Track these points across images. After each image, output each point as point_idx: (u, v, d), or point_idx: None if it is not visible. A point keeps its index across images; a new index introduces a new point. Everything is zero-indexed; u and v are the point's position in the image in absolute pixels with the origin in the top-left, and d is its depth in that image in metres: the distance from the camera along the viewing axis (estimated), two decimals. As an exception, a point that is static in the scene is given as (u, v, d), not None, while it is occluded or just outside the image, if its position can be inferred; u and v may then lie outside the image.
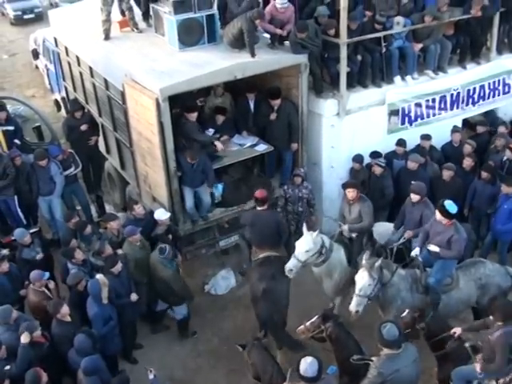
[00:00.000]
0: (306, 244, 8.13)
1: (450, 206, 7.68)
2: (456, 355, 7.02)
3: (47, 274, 8.41)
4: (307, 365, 5.94)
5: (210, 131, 10.28)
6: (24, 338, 7.24)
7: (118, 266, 8.30)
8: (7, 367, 7.13)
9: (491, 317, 6.76)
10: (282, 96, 10.33)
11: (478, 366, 6.67)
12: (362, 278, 7.62)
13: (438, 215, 7.81)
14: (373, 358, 6.56)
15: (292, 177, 10.23)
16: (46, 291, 8.33)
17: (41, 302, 8.15)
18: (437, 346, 7.20)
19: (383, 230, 9.23)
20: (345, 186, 9.02)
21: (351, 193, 8.78)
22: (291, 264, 8.09)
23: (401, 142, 10.64)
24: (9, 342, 7.32)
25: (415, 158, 10.16)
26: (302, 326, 7.40)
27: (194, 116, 9.70)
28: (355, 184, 9.06)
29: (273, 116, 10.42)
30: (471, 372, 6.80)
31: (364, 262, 7.70)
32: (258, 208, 9.14)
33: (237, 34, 9.78)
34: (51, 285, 8.47)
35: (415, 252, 8.15)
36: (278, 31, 10.09)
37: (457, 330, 7.06)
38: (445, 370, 7.13)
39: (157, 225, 9.44)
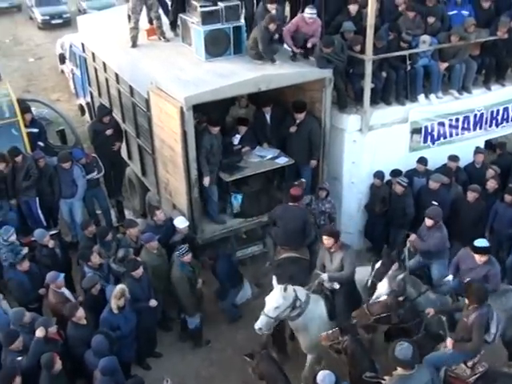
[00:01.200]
0: (275, 300, 7.55)
1: (481, 242, 7.75)
2: (424, 343, 7.35)
3: (62, 275, 8.47)
4: (325, 377, 5.99)
5: (237, 137, 10.32)
6: (39, 332, 7.31)
7: (139, 271, 8.35)
8: (19, 358, 7.21)
9: (466, 300, 7.06)
10: (306, 110, 10.36)
11: (449, 342, 7.09)
12: (382, 286, 7.61)
13: (476, 257, 7.77)
14: (385, 378, 6.54)
15: (317, 190, 10.26)
16: (66, 293, 8.39)
17: (57, 303, 8.23)
18: (406, 333, 7.52)
19: (363, 276, 9.00)
20: (321, 233, 8.40)
21: (327, 240, 8.03)
22: (261, 323, 7.55)
23: (422, 160, 10.61)
24: (24, 343, 7.36)
25: (437, 178, 10.10)
26: (324, 333, 7.48)
27: (216, 130, 9.69)
28: (332, 232, 8.16)
29: (292, 129, 10.45)
30: (441, 358, 7.14)
31: (390, 272, 7.65)
32: (290, 203, 9.21)
33: (252, 44, 9.92)
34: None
35: (448, 278, 8.05)
36: (296, 50, 10.18)
37: (430, 311, 7.45)
38: None
39: (175, 232, 9.49)
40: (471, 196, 9.96)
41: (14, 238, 9.26)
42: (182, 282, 8.76)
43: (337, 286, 7.99)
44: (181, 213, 9.96)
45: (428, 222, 8.72)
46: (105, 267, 8.87)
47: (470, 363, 7.02)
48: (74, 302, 8.11)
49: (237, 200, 10.45)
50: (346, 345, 7.19)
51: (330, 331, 7.46)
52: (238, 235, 10.56)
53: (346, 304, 7.89)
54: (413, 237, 8.95)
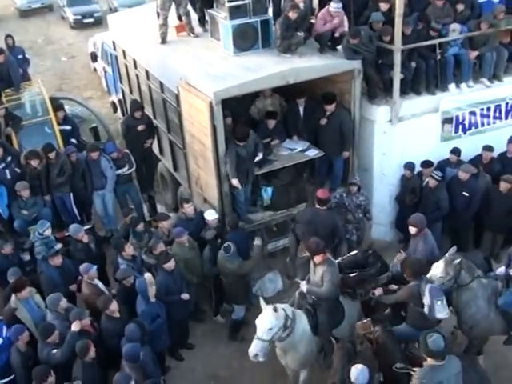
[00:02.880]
0: (267, 321, 7.19)
1: None
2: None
3: (95, 267, 8.62)
4: (358, 371, 5.96)
5: (259, 156, 10.00)
6: (75, 326, 7.46)
7: (171, 264, 8.45)
8: (54, 351, 7.35)
9: (404, 274, 7.45)
10: (337, 102, 10.35)
11: (378, 290, 7.73)
12: (437, 268, 7.61)
13: None
14: (415, 369, 6.49)
15: (348, 185, 10.25)
16: (100, 285, 8.55)
17: (91, 294, 8.38)
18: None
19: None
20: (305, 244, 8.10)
21: (304, 256, 7.93)
22: (255, 349, 7.19)
23: (455, 151, 10.50)
24: (58, 331, 7.50)
25: (467, 169, 10.00)
26: (359, 322, 7.57)
27: (242, 144, 9.47)
28: (311, 247, 7.76)
29: (323, 121, 10.45)
30: (403, 333, 7.40)
31: (447, 255, 7.62)
32: (318, 206, 9.18)
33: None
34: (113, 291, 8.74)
35: (500, 270, 7.99)
36: (327, 27, 10.17)
37: (377, 291, 7.82)
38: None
39: (206, 226, 9.59)
40: (504, 186, 9.84)
41: (49, 232, 9.43)
42: (242, 265, 8.84)
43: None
44: (212, 207, 10.05)
45: (411, 229, 8.44)
46: (138, 259, 9.00)
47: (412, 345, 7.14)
48: (108, 295, 8.25)
49: (267, 193, 10.50)
50: (378, 335, 7.21)
51: (363, 321, 7.52)
52: (269, 228, 10.59)
53: (329, 320, 7.65)
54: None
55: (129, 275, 8.42)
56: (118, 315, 7.84)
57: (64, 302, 7.92)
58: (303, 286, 7.75)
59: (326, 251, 7.72)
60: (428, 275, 7.59)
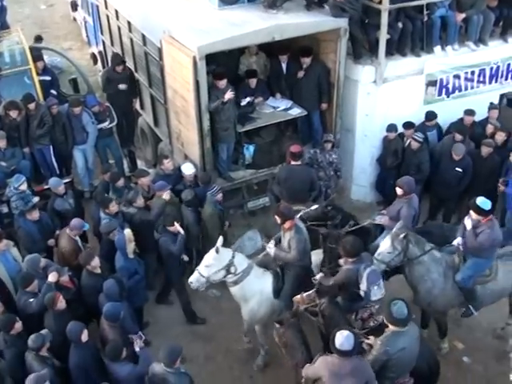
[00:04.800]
0: (206, 258, 7.54)
1: (484, 203, 7.33)
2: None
3: (87, 226, 8.62)
4: (343, 338, 5.73)
5: (245, 100, 10.23)
6: (51, 277, 7.44)
7: (178, 227, 8.45)
8: (31, 300, 7.37)
9: (341, 252, 7.24)
10: (313, 56, 10.30)
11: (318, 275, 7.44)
12: (384, 244, 7.55)
13: (473, 215, 7.42)
14: (370, 337, 6.42)
15: (322, 142, 10.22)
16: (78, 242, 8.50)
17: (71, 250, 8.33)
18: None
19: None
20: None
21: (277, 219, 7.58)
22: (193, 278, 7.56)
23: (429, 116, 10.51)
24: (39, 287, 7.49)
25: (459, 151, 9.74)
26: (298, 296, 7.25)
27: (222, 83, 9.50)
28: (279, 212, 7.55)
29: (300, 74, 10.42)
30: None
31: (394, 229, 7.56)
32: (293, 163, 9.19)
33: None
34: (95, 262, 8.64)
35: (457, 241, 7.77)
36: None
37: (317, 275, 7.53)
38: None
39: (182, 180, 9.55)
40: (485, 151, 9.88)
41: (24, 186, 9.30)
42: (213, 218, 8.88)
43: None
44: (193, 163, 9.98)
45: (398, 190, 8.36)
46: (120, 214, 8.95)
47: (360, 316, 7.00)
48: (90, 251, 8.19)
49: (249, 151, 10.48)
50: (324, 307, 6.96)
51: (305, 294, 7.21)
52: (250, 186, 10.59)
53: (293, 288, 7.54)
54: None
55: (114, 228, 8.38)
56: (99, 271, 7.82)
57: (43, 263, 7.86)
58: (270, 250, 7.73)
59: (295, 217, 7.61)
60: (377, 252, 7.53)
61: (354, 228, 8.15)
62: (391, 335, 6.14)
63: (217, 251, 7.45)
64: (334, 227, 8.18)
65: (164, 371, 6.26)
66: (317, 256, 8.04)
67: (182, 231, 8.43)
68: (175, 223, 8.42)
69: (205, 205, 9.06)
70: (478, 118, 10.72)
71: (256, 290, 7.70)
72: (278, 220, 7.52)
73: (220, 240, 7.60)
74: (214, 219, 8.96)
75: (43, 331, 6.81)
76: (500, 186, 9.75)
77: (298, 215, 8.09)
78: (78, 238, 8.49)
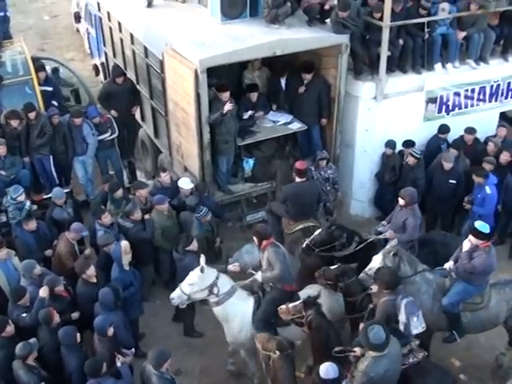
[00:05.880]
0: (190, 276, 7.47)
1: (483, 226, 7.30)
2: (370, 317, 7.10)
3: (86, 233, 8.66)
4: (328, 367, 5.77)
5: (248, 114, 10.29)
6: (42, 292, 7.42)
7: (194, 246, 8.41)
8: (24, 315, 7.34)
9: (377, 286, 7.05)
10: (315, 72, 10.34)
11: (361, 325, 6.85)
12: (376, 260, 7.52)
13: (473, 240, 7.33)
14: (356, 349, 6.32)
15: (317, 160, 10.18)
16: (76, 246, 8.53)
17: (68, 252, 8.37)
18: (351, 307, 7.47)
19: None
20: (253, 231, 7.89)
21: (255, 239, 7.62)
22: (175, 294, 7.52)
23: (444, 130, 10.62)
24: (32, 296, 7.50)
25: (448, 158, 9.91)
26: (283, 306, 7.05)
27: (226, 96, 9.55)
28: (258, 232, 7.60)
29: (301, 89, 10.46)
30: None
31: (388, 246, 7.58)
32: (298, 180, 9.17)
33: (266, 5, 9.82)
34: (87, 251, 8.71)
35: (449, 265, 7.70)
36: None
37: (374, 287, 7.25)
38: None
39: (179, 194, 9.55)
40: (487, 168, 9.85)
41: (22, 197, 9.29)
42: (199, 240, 8.77)
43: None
44: (192, 176, 10.01)
45: (400, 201, 8.42)
46: (115, 226, 8.94)
47: (405, 350, 6.70)
48: (86, 260, 8.19)
49: (248, 164, 10.51)
50: (311, 319, 6.79)
51: (291, 305, 7.00)
52: (249, 199, 10.60)
53: (267, 311, 7.43)
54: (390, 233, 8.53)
55: (110, 242, 8.37)
56: (94, 280, 7.81)
57: (38, 269, 7.87)
58: (258, 277, 7.59)
59: (271, 236, 7.58)
60: (368, 267, 7.48)
61: (361, 246, 8.14)
62: (372, 361, 6.04)
63: (202, 271, 7.37)
64: (342, 246, 8.15)
65: (150, 371, 6.37)
66: (312, 290, 7.63)
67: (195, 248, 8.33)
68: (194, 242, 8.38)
69: (194, 228, 9.01)
70: (478, 135, 10.76)
71: (237, 312, 7.62)
72: (256, 240, 7.54)
73: (202, 259, 7.45)
74: (201, 242, 8.87)
75: (31, 340, 6.81)
76: (465, 205, 9.78)
77: (304, 245, 8.15)
78: (75, 243, 8.51)
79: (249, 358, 7.93)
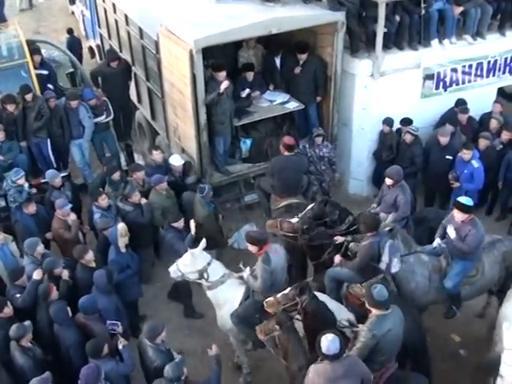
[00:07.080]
0: (182, 258, 7.59)
1: (467, 200, 7.33)
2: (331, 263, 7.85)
3: (69, 205, 8.65)
4: (329, 342, 5.62)
5: (246, 91, 10.24)
6: (36, 274, 7.44)
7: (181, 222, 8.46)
8: (17, 295, 7.38)
9: (361, 229, 7.55)
10: (310, 50, 10.28)
11: (336, 258, 7.76)
12: None
13: (457, 215, 7.34)
14: (359, 325, 6.41)
15: (313, 137, 10.19)
16: (69, 221, 8.59)
17: (59, 229, 8.46)
18: (316, 254, 8.16)
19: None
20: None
21: (250, 247, 7.33)
22: (172, 269, 7.64)
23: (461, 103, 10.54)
24: (30, 274, 7.53)
25: (444, 132, 9.89)
26: (271, 298, 6.77)
27: (222, 75, 9.49)
28: (254, 238, 7.28)
29: (297, 70, 10.43)
30: (340, 273, 7.66)
31: (386, 221, 7.71)
32: (287, 154, 9.16)
33: None
34: (72, 216, 8.70)
35: (436, 242, 7.73)
36: None
37: (338, 238, 7.89)
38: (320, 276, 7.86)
39: (171, 171, 9.57)
40: (482, 144, 9.87)
41: (22, 181, 9.28)
42: (210, 220, 8.83)
43: None
44: (190, 157, 9.98)
45: (388, 181, 8.43)
46: (113, 208, 8.94)
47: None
48: (84, 245, 8.21)
49: (245, 145, 10.49)
50: (306, 304, 6.59)
51: (279, 294, 6.73)
52: (247, 180, 10.59)
53: (246, 311, 7.32)
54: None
55: (110, 226, 8.34)
56: (93, 265, 7.80)
57: (41, 248, 7.93)
58: (244, 274, 7.57)
59: (268, 241, 7.25)
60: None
61: (353, 228, 8.09)
62: (376, 319, 6.18)
63: (192, 255, 7.46)
64: (333, 223, 8.17)
65: (146, 344, 6.54)
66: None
67: (193, 230, 8.19)
68: (191, 222, 8.30)
69: (197, 208, 8.95)
70: (474, 111, 10.71)
71: (228, 299, 7.60)
72: (254, 249, 7.20)
73: (203, 243, 7.56)
74: (211, 219, 8.92)
75: (26, 322, 6.83)
76: (452, 183, 9.72)
77: (296, 219, 8.12)
78: (67, 219, 8.58)
79: (237, 346, 7.97)
